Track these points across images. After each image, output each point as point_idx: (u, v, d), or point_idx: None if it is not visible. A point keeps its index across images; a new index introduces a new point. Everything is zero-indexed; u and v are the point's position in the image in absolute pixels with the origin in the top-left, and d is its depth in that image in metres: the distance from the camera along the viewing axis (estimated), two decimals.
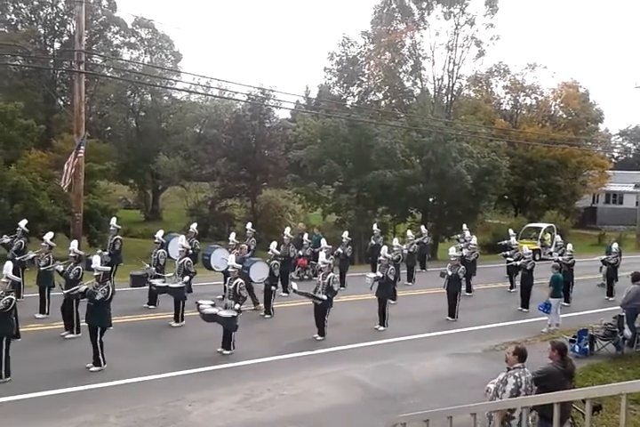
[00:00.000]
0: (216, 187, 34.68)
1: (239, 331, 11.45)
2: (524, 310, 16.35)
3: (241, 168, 32.71)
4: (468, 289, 18.31)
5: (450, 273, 14.88)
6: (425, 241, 22.09)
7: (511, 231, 21.36)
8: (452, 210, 29.97)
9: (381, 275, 13.89)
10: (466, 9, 32.47)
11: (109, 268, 11.57)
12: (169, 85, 38.66)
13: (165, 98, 43.78)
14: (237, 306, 11.31)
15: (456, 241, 23.17)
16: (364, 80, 35.87)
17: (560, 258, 17.64)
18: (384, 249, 14.87)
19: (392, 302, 15.14)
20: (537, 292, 16.20)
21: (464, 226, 22.82)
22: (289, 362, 11.25)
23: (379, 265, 15.05)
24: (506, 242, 20.81)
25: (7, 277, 9.80)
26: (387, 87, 35.33)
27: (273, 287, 14.57)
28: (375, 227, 21.38)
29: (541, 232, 28.92)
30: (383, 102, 37.16)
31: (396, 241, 18.85)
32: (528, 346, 11.10)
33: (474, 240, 20.04)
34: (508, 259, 19.27)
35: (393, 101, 36.78)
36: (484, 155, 29.30)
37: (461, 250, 18.92)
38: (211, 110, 39.66)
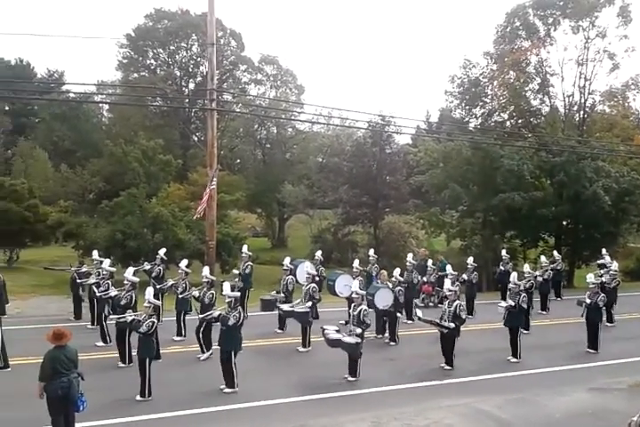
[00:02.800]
0: (339, 214, 35.16)
1: (365, 358, 11.39)
2: None
3: (363, 195, 32.94)
4: (610, 319, 16.92)
5: (588, 301, 13.87)
6: (558, 267, 20.80)
7: None
8: (589, 233, 27.97)
9: (513, 303, 13.26)
10: (596, 21, 30.73)
11: (239, 293, 12.06)
12: (293, 118, 40.24)
13: (289, 129, 45.57)
14: (359, 330, 11.31)
15: (596, 267, 21.59)
16: (488, 101, 34.95)
17: None
18: (513, 276, 14.27)
19: (525, 331, 14.40)
20: None
21: (603, 250, 21.31)
22: (416, 391, 10.99)
23: (509, 293, 14.38)
24: None
25: (149, 302, 10.55)
26: (512, 107, 34.10)
27: (398, 314, 14.45)
28: (504, 252, 20.60)
29: None
30: (508, 123, 35.93)
31: (527, 267, 17.90)
32: None
33: (615, 266, 18.52)
34: None
35: (519, 121, 35.47)
36: (623, 174, 27.27)
37: (601, 276, 17.57)
38: (332, 139, 40.58)
